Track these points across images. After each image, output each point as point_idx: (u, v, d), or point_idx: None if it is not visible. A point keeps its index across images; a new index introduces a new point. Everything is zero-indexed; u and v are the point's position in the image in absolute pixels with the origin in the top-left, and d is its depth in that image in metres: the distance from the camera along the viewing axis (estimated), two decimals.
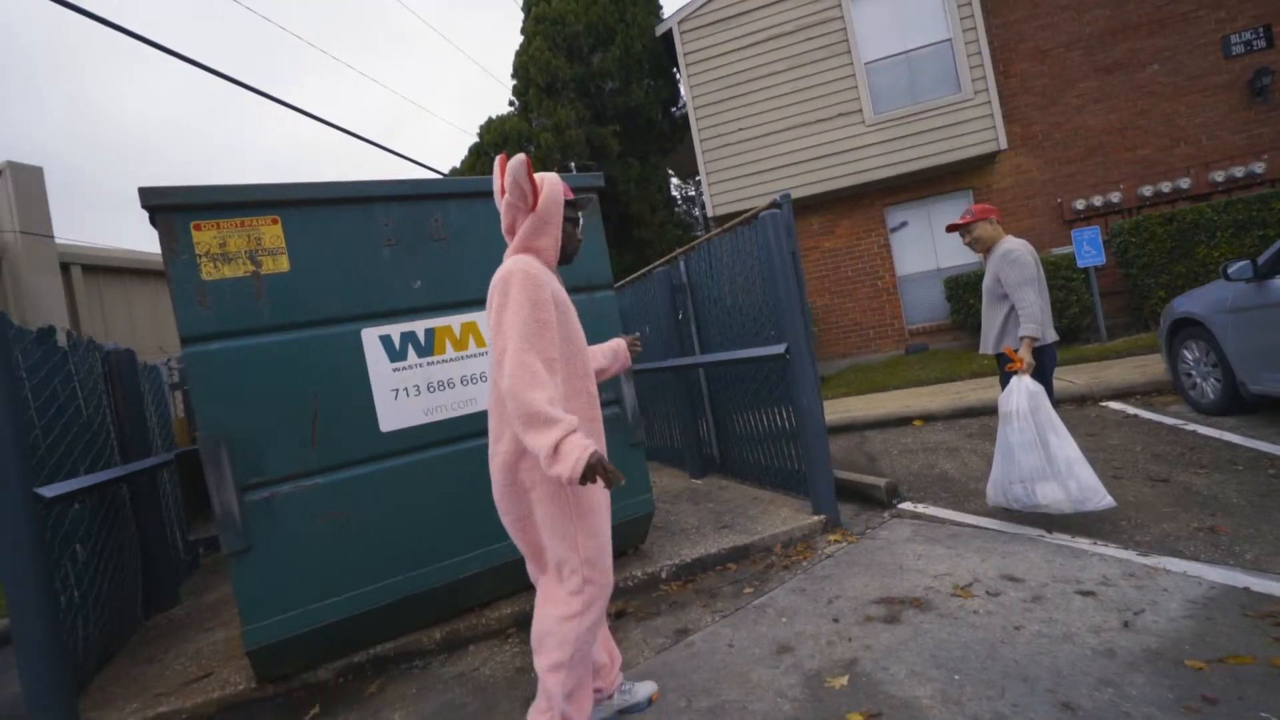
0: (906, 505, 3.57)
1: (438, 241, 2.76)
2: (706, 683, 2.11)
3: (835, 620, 2.38)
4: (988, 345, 3.21)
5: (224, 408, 2.33)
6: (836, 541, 3.18)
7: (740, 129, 9.10)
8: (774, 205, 3.60)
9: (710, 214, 9.42)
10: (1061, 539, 2.76)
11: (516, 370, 1.55)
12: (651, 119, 10.13)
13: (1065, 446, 2.76)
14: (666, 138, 10.64)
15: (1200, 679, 1.69)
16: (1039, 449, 2.78)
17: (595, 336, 3.06)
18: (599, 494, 1.75)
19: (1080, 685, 1.74)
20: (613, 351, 2.16)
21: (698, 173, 9.85)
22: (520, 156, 1.70)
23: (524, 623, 2.85)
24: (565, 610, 1.69)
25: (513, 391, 1.53)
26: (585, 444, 1.47)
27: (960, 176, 8.77)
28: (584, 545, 1.70)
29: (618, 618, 2.77)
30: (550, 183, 1.78)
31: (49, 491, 2.53)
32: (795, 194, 8.92)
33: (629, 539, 3.25)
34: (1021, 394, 2.86)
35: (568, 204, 1.86)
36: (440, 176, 8.22)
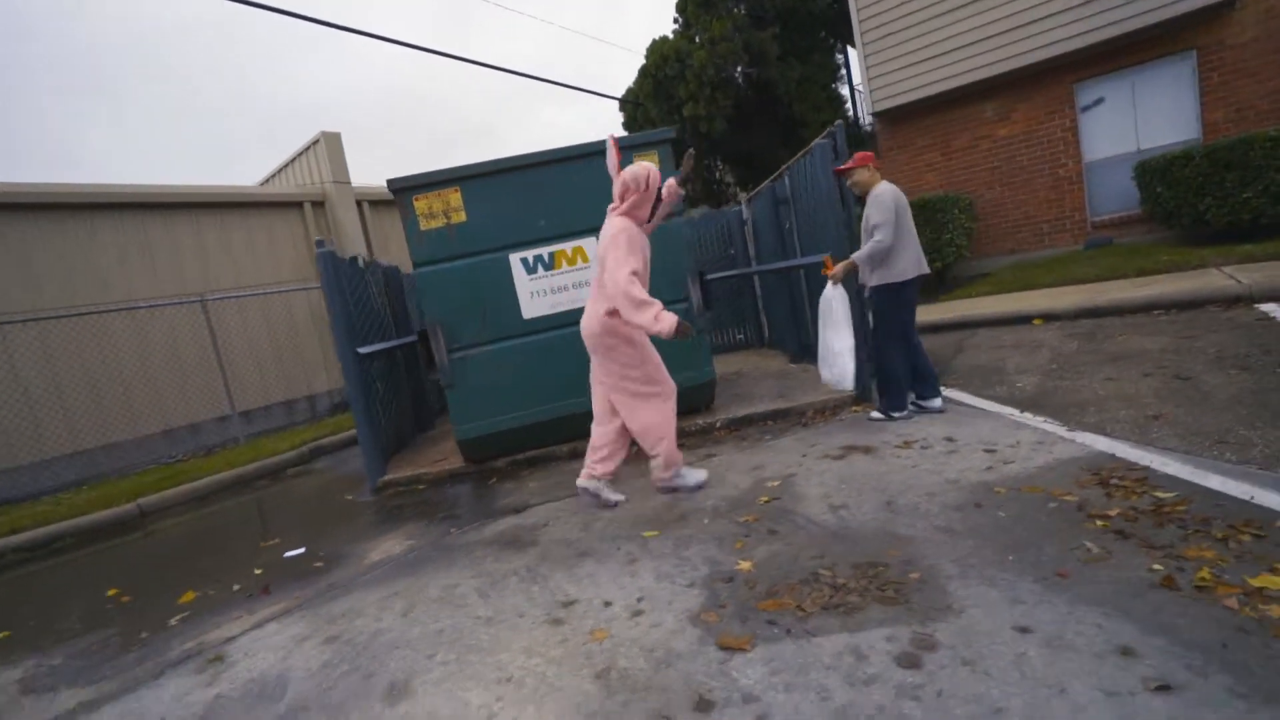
0: (948, 390, 4.19)
1: (550, 194, 4.07)
2: (716, 470, 3.35)
3: (803, 455, 3.39)
4: (864, 276, 3.71)
5: (436, 305, 4.03)
6: (855, 411, 4.03)
7: (905, 13, 8.57)
8: (828, 134, 4.18)
9: (871, 109, 9.23)
10: (1024, 418, 3.31)
11: (624, 282, 2.76)
12: (813, 12, 9.88)
13: (838, 340, 3.53)
14: (831, 30, 10.27)
15: (989, 496, 2.45)
16: (823, 341, 3.62)
17: (668, 256, 4.17)
18: (642, 335, 3.01)
19: (912, 495, 2.61)
20: None
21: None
22: (647, 166, 3.00)
23: None
24: (656, 406, 3.02)
25: (623, 290, 2.76)
26: (672, 315, 2.73)
27: (1180, 35, 7.29)
28: (653, 368, 3.06)
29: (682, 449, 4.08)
30: (654, 177, 2.97)
31: (364, 350, 4.59)
32: (966, 79, 8.32)
33: (698, 399, 4.47)
34: (824, 297, 3.57)
35: (660, 189, 3.07)
36: (616, 98, 9.34)
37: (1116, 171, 7.84)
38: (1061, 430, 3.02)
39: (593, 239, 4.12)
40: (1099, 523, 2.08)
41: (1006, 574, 1.91)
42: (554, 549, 2.84)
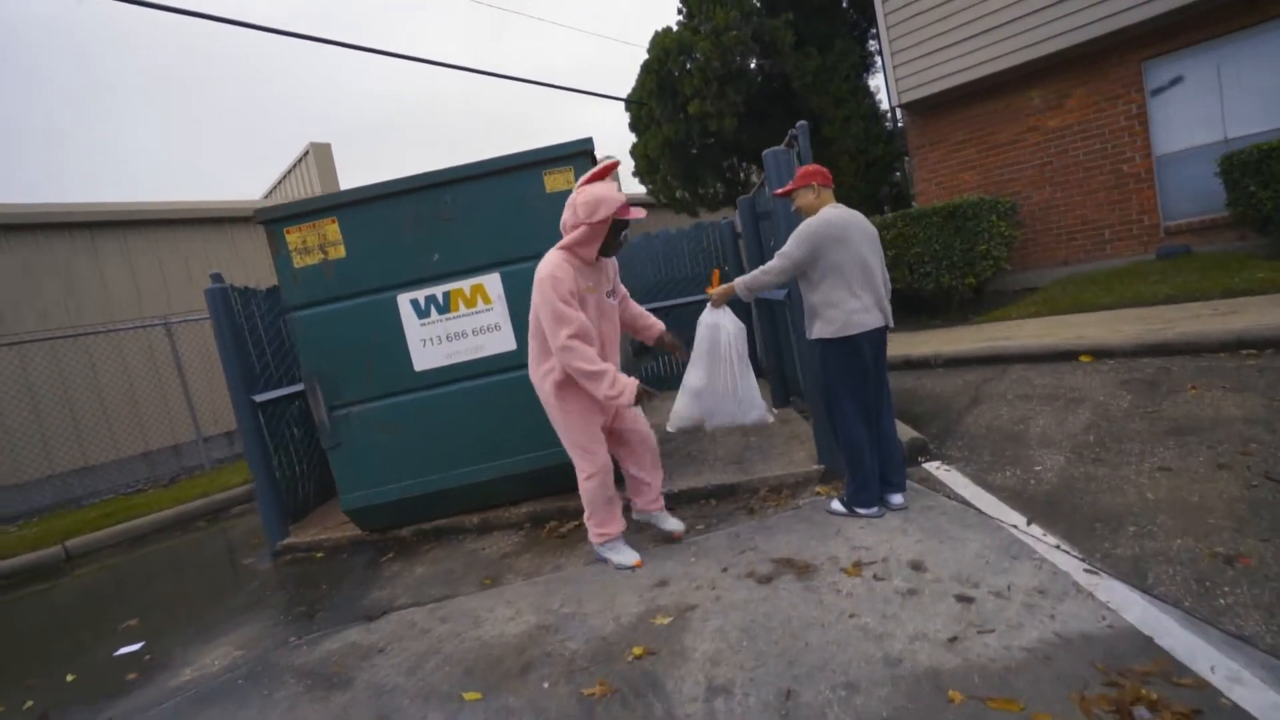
0: (932, 464, 3.26)
1: (447, 220, 3.37)
2: (579, 594, 2.59)
3: (724, 570, 2.57)
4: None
5: (314, 354, 3.41)
6: (819, 494, 3.16)
7: None
8: (789, 138, 3.31)
9: (896, 101, 8.13)
10: (1029, 534, 2.37)
11: (560, 351, 2.42)
12: None
13: (689, 374, 2.93)
14: (860, 12, 9.17)
15: (934, 705, 1.59)
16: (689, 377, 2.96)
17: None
18: (576, 404, 2.60)
19: (825, 683, 1.77)
20: (648, 329, 2.96)
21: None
22: (601, 192, 2.45)
23: (537, 519, 3.60)
24: (580, 478, 2.66)
25: (566, 364, 2.43)
26: (629, 380, 2.41)
27: None
28: (574, 445, 2.65)
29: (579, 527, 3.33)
30: (606, 206, 2.42)
31: (260, 398, 4.03)
32: (1009, 61, 7.14)
33: None
34: (700, 321, 2.92)
35: (622, 222, 2.53)
36: (620, 100, 8.53)
37: (1196, 166, 6.50)
38: (1079, 569, 2.09)
39: (494, 274, 3.41)
40: None
41: None
42: (359, 700, 2.15)
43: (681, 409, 2.95)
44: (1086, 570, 2.07)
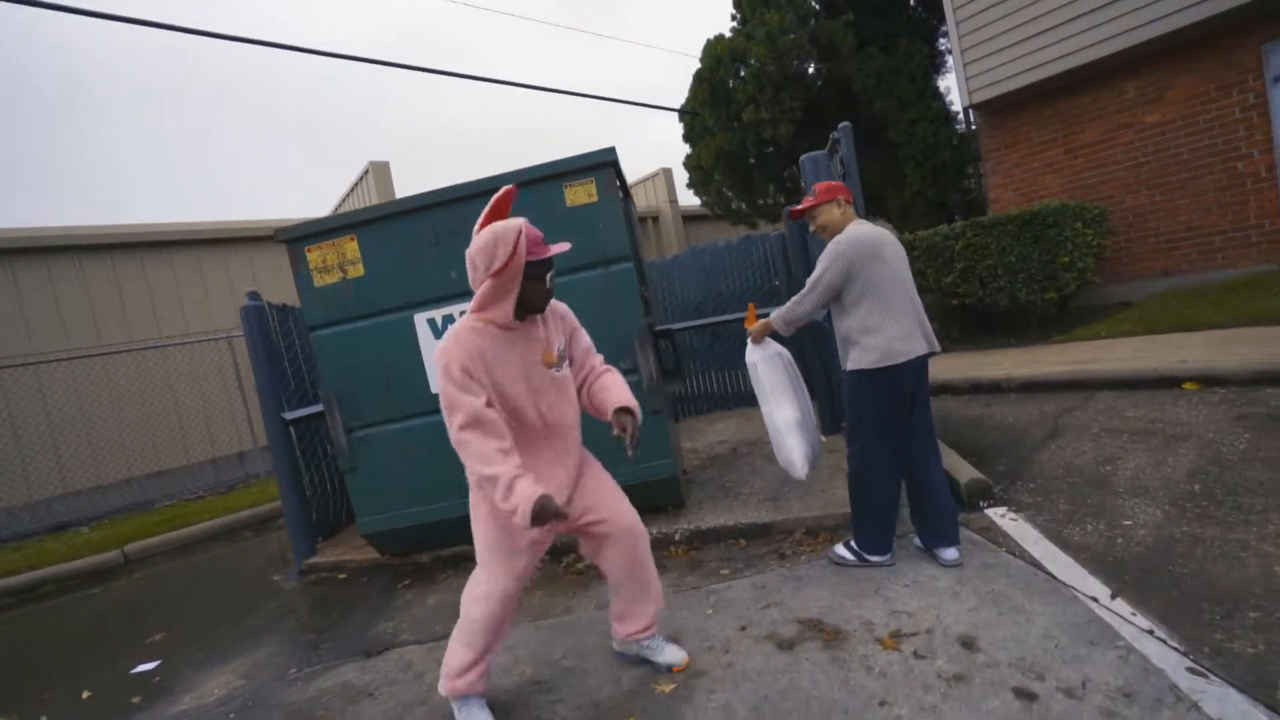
0: (997, 511, 2.83)
1: (466, 237, 3.24)
2: (583, 646, 2.35)
3: (742, 629, 2.27)
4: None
5: (333, 374, 3.36)
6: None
7: None
8: (833, 140, 3.00)
9: (967, 101, 7.54)
10: (1114, 612, 1.94)
11: (457, 444, 1.76)
12: None
13: (777, 414, 2.69)
14: (929, 9, 8.63)
15: None
16: (764, 416, 2.77)
17: (615, 310, 3.22)
18: (488, 504, 1.89)
19: None
20: (612, 406, 1.95)
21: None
22: (498, 232, 1.75)
23: (555, 551, 3.40)
24: (471, 588, 2.00)
25: (462, 460, 1.77)
26: (529, 493, 1.65)
27: None
28: (480, 543, 1.96)
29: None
30: (506, 243, 1.73)
31: (290, 415, 4.05)
32: (1096, 53, 6.47)
33: (657, 496, 3.43)
34: (747, 360, 2.79)
35: (536, 263, 1.79)
36: (664, 107, 8.33)
37: None
38: (1180, 666, 1.67)
39: None
40: None
41: None
42: None
43: (795, 449, 2.69)
44: (1190, 669, 1.64)
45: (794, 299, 2.54)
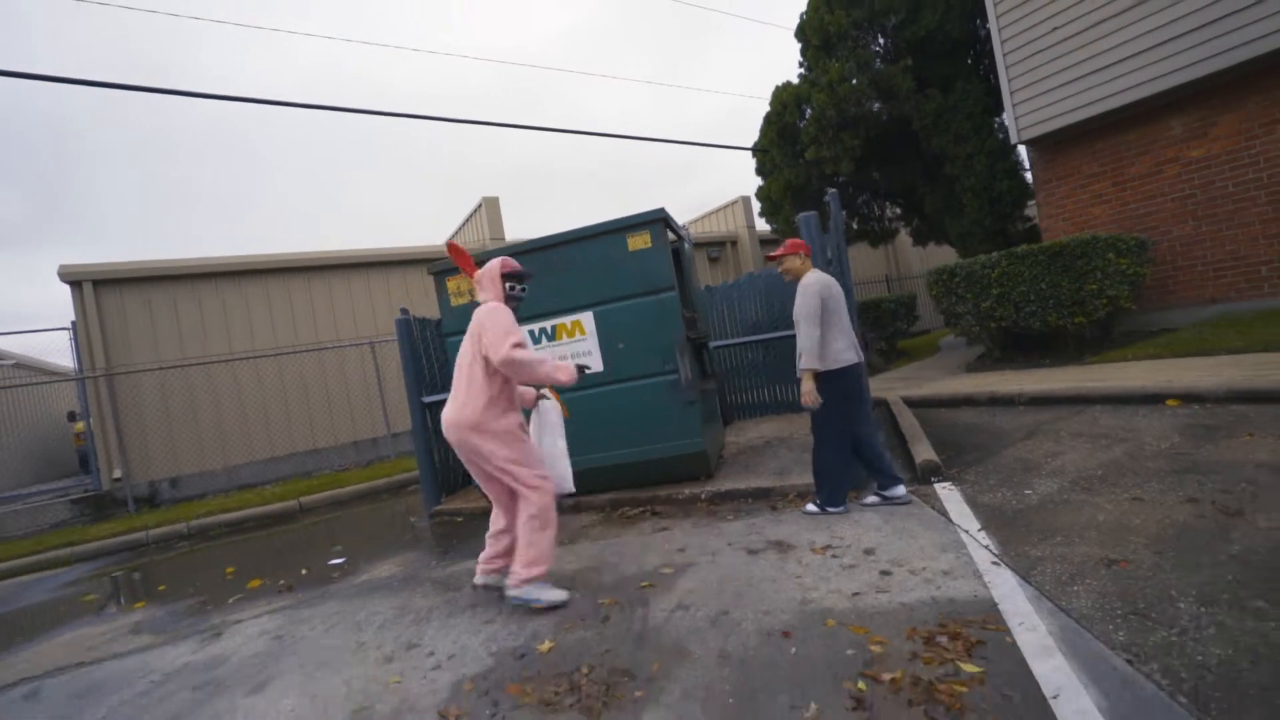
0: (942, 484, 3.69)
1: (556, 272, 4.54)
2: (622, 553, 3.49)
3: (730, 544, 3.33)
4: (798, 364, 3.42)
5: None
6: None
7: (1059, 21, 7.40)
8: (828, 199, 4.01)
9: (1016, 138, 8.08)
10: (974, 538, 2.83)
11: (509, 359, 2.77)
12: (952, 36, 8.98)
13: (552, 445, 3.28)
14: (972, 54, 9.19)
15: (810, 625, 2.25)
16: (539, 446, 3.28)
17: (662, 326, 4.37)
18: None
19: (750, 610, 2.49)
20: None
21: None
22: (492, 266, 3.12)
23: (614, 504, 4.56)
24: (533, 505, 2.90)
25: (513, 361, 2.76)
26: (569, 363, 2.99)
27: None
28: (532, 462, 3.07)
29: (653, 515, 4.21)
30: (489, 270, 3.03)
31: (427, 399, 5.51)
32: (1143, 91, 6.89)
33: (688, 468, 4.51)
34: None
35: (510, 275, 3.06)
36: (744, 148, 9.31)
37: None
38: (988, 561, 2.57)
39: (589, 313, 4.50)
40: (859, 684, 1.86)
41: (700, 715, 1.84)
42: (466, 594, 3.26)
43: (566, 469, 3.33)
44: (993, 562, 2.54)
45: (805, 342, 3.32)
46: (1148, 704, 1.59)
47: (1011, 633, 2.01)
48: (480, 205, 11.07)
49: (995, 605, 2.20)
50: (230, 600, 3.92)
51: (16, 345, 13.03)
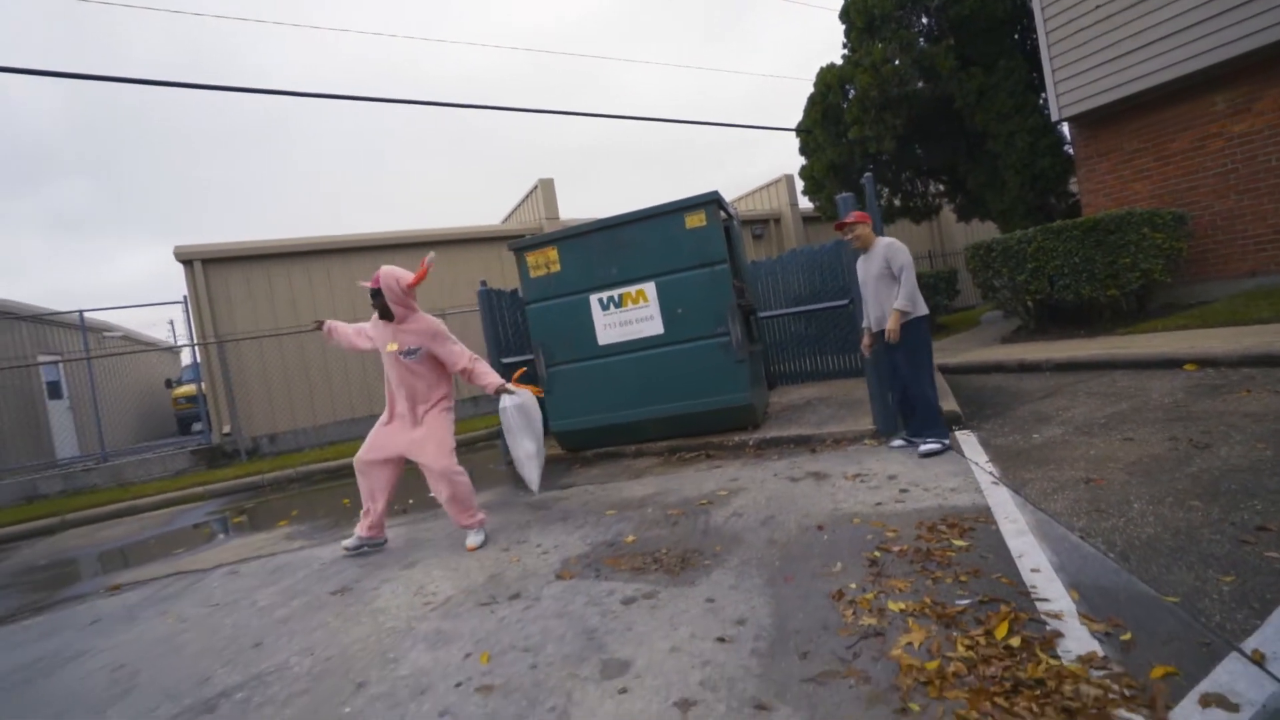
0: (962, 432, 4.23)
1: (622, 247, 5.19)
2: (683, 482, 4.17)
3: (775, 475, 3.97)
4: (882, 322, 3.92)
5: (539, 331, 5.48)
6: (869, 445, 4.34)
7: (1097, 4, 7.54)
8: (864, 181, 4.54)
9: (1057, 115, 8.26)
10: (983, 469, 3.39)
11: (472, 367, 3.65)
12: (995, 15, 9.11)
13: (518, 448, 3.71)
14: (1016, 32, 9.28)
15: (840, 523, 2.89)
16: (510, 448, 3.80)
17: (715, 295, 4.98)
18: None
19: (792, 515, 3.14)
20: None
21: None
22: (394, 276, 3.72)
23: (672, 450, 5.25)
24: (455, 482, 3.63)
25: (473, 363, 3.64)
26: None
27: None
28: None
29: (707, 458, 4.87)
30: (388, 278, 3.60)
31: (506, 360, 6.30)
32: (1185, 68, 7.03)
33: (737, 419, 5.16)
34: (501, 407, 3.68)
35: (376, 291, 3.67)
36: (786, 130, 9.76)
37: None
38: (989, 482, 3.14)
39: (651, 283, 5.15)
40: (875, 553, 2.50)
41: (754, 573, 2.51)
42: (553, 512, 4.02)
43: (533, 471, 3.81)
44: (993, 482, 3.11)
45: (906, 286, 3.81)
46: (1086, 558, 2.18)
47: (997, 524, 2.60)
48: (536, 186, 11.78)
49: (989, 509, 2.79)
50: (355, 520, 4.79)
51: (128, 319, 14.53)
